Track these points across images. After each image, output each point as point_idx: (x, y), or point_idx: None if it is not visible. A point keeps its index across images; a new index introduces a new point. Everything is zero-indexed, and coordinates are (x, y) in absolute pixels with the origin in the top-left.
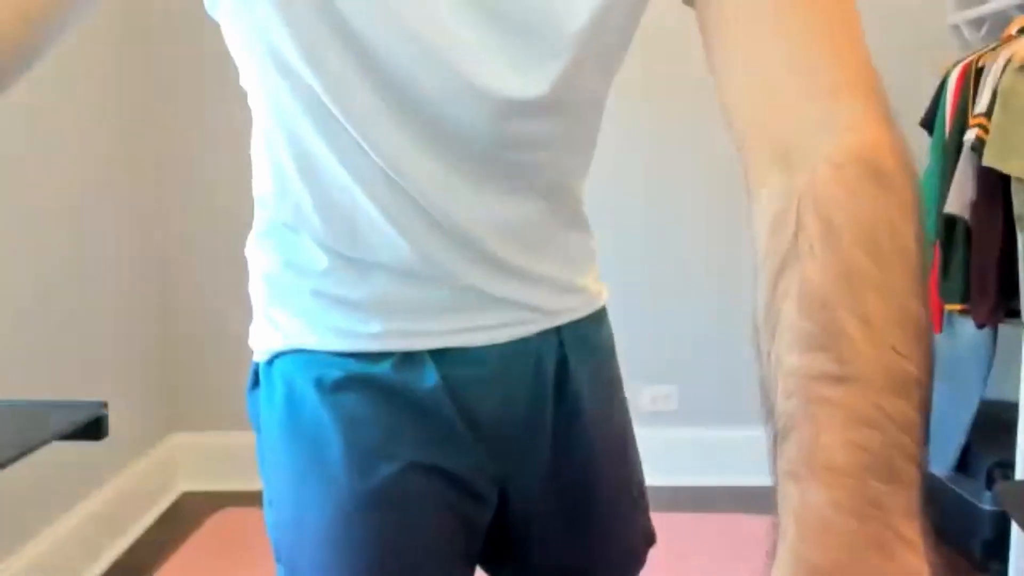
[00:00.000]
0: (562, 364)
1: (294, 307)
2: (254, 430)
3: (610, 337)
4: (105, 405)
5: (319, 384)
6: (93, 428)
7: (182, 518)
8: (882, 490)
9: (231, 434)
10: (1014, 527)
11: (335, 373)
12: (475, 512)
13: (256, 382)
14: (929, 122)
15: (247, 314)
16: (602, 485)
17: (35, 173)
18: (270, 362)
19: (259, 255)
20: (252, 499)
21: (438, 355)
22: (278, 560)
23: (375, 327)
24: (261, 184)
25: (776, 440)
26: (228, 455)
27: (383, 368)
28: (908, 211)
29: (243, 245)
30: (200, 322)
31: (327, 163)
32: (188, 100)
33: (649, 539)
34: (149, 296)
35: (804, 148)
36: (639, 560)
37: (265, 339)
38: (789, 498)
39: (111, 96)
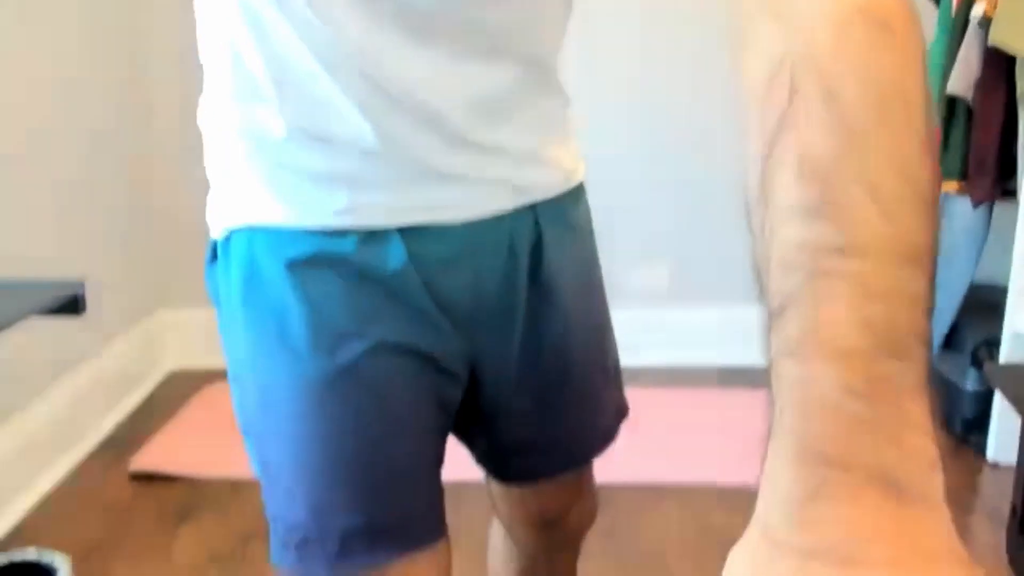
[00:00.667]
0: (537, 243)
1: (252, 179)
2: (214, 306)
3: (588, 215)
4: (83, 283)
5: (281, 262)
6: (71, 304)
7: (170, 395)
8: (892, 369)
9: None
10: (995, 405)
11: (298, 250)
12: (446, 388)
13: (214, 257)
14: None
15: None
16: (577, 364)
17: (10, 46)
18: (228, 237)
19: (213, 124)
20: None
21: (406, 232)
22: (246, 434)
23: (339, 202)
24: (210, 49)
25: (772, 318)
26: (216, 331)
27: (348, 244)
28: (917, 70)
29: None
30: (185, 195)
31: (281, 32)
32: None
33: (621, 413)
34: (132, 169)
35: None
36: (611, 435)
37: (222, 213)
38: (789, 379)
39: None
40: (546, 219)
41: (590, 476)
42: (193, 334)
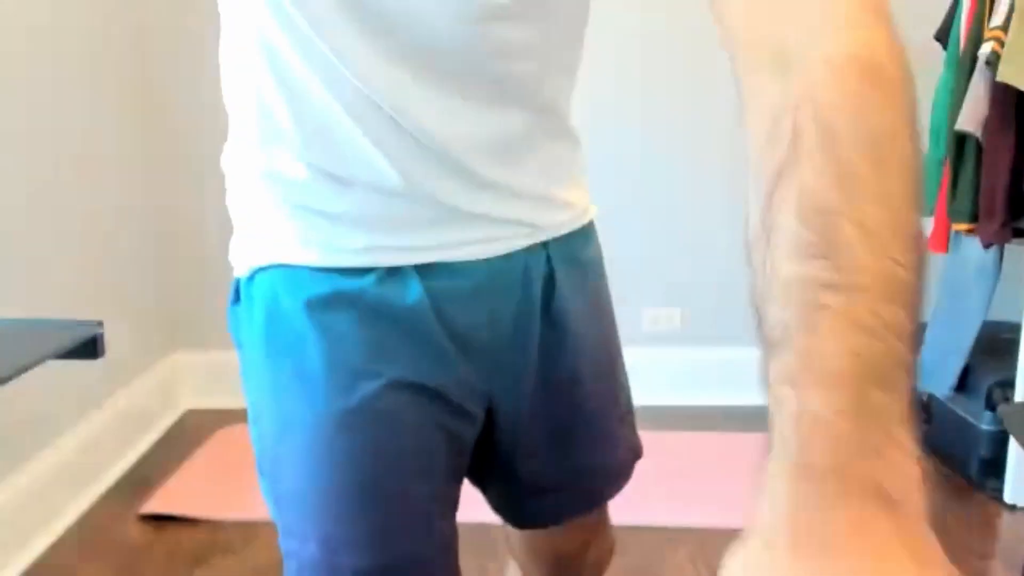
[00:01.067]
0: (549, 279)
1: (274, 220)
2: (236, 347)
3: (599, 253)
4: (101, 324)
5: (301, 300)
6: (89, 347)
7: (186, 436)
8: (880, 397)
9: (234, 352)
10: (1011, 447)
11: (318, 289)
12: (461, 428)
13: (237, 298)
14: (944, 35)
15: None
16: (589, 401)
17: (32, 91)
18: (251, 277)
19: (237, 167)
20: None
21: (422, 270)
22: (261, 474)
23: (358, 241)
24: (235, 94)
25: (770, 348)
26: (231, 372)
27: (367, 283)
28: (908, 117)
29: None
30: (201, 239)
31: (301, 75)
32: (188, 22)
33: (635, 453)
34: (149, 213)
35: (802, 49)
36: (625, 474)
37: (246, 254)
38: (786, 403)
39: (110, 20)
40: (557, 256)
41: (606, 514)
42: (208, 376)
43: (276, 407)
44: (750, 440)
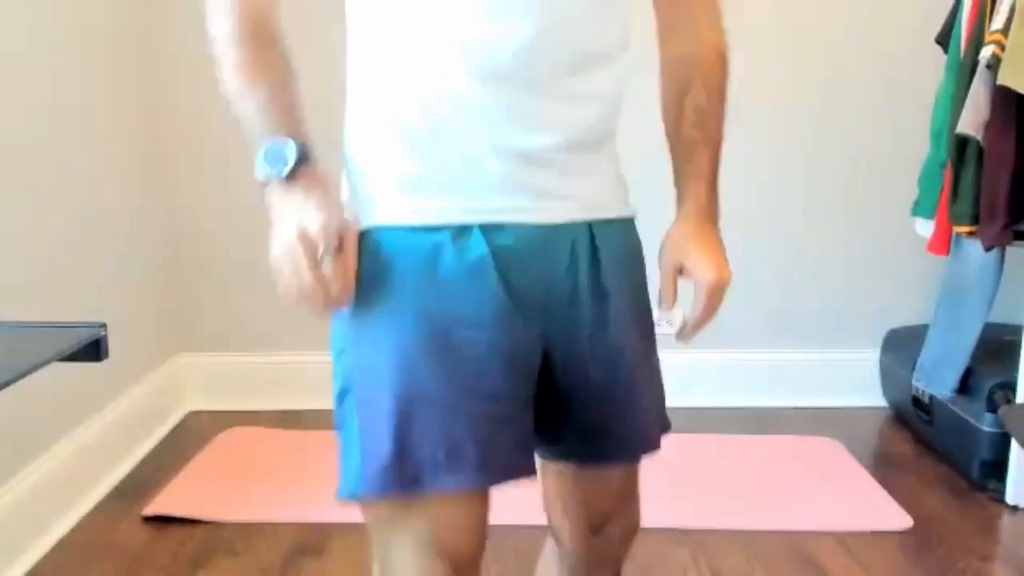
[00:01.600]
0: (594, 255)
1: (383, 189)
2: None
3: (639, 247)
4: (104, 326)
5: (399, 250)
6: (93, 349)
7: (188, 438)
8: (714, 187)
9: (236, 355)
10: (1013, 449)
11: (408, 244)
12: (522, 358)
13: None
14: (945, 38)
15: (252, 235)
16: (632, 371)
17: (34, 91)
18: (361, 235)
19: (361, 158)
20: (258, 418)
21: (487, 230)
22: (345, 392)
23: (438, 203)
24: (359, 80)
25: (681, 164)
26: (233, 376)
27: (444, 237)
28: (727, 80)
29: (249, 166)
30: (205, 242)
31: (434, 98)
32: (191, 23)
33: (665, 425)
34: (153, 216)
35: (698, 33)
36: (656, 443)
37: (358, 216)
38: (693, 187)
39: (115, 28)
40: (601, 237)
41: (636, 485)
42: (211, 378)
43: (376, 335)
44: (750, 440)
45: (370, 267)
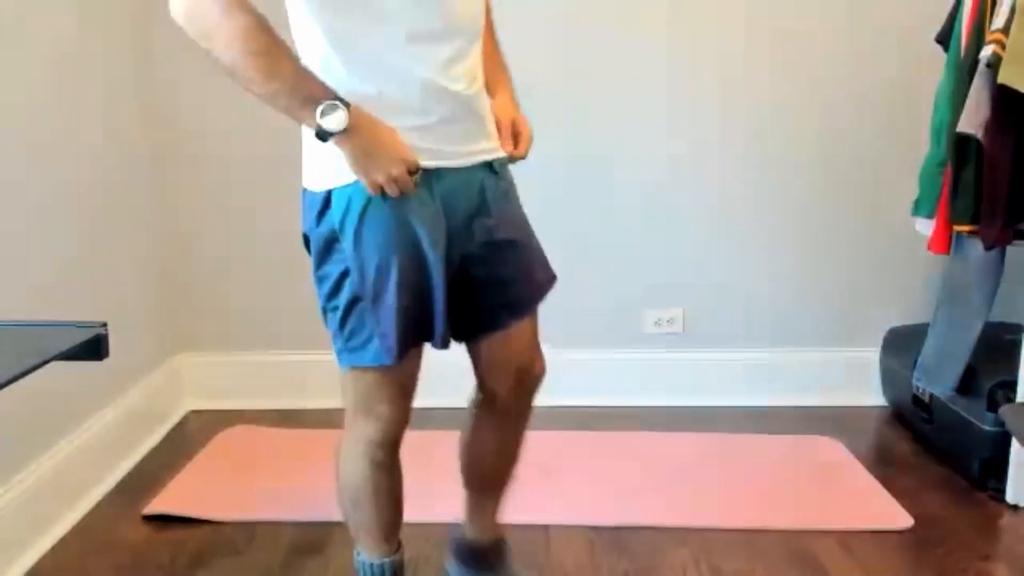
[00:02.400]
0: (487, 184)
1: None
2: (331, 238)
3: (511, 176)
4: (104, 326)
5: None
6: (93, 348)
7: (188, 437)
8: (513, 93)
9: (236, 355)
10: (1014, 448)
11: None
12: (450, 264)
13: (327, 205)
14: (945, 38)
15: (252, 235)
16: (519, 250)
17: (35, 92)
18: (343, 188)
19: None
20: (258, 418)
21: (435, 173)
22: (356, 300)
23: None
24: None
25: (494, 78)
26: (233, 376)
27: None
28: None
29: (247, 165)
30: (205, 242)
31: (368, 54)
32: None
33: (551, 277)
34: (153, 215)
35: (481, 20)
36: (547, 289)
37: (331, 175)
38: (505, 87)
39: (104, 23)
40: (493, 170)
41: (537, 335)
42: (211, 378)
43: (378, 255)
44: (750, 440)
45: (368, 204)
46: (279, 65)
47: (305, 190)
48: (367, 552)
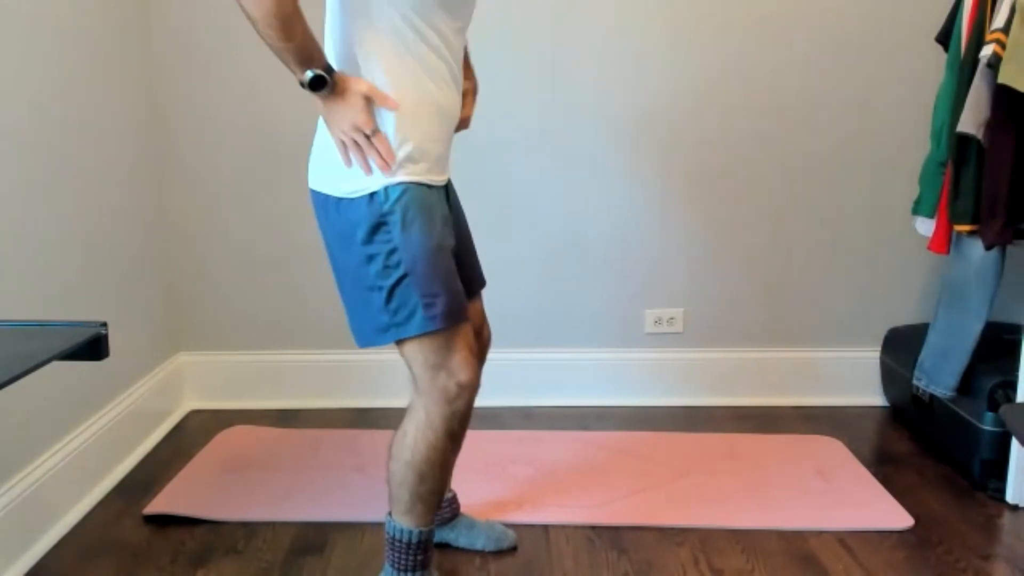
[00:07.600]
0: (451, 191)
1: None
2: (378, 223)
3: (454, 191)
4: (104, 326)
5: (421, 196)
6: (93, 348)
7: (188, 437)
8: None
9: (236, 354)
10: (1014, 448)
11: (428, 194)
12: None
13: (371, 200)
14: (945, 37)
15: (252, 235)
16: (469, 249)
17: (36, 92)
18: (396, 186)
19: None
20: (258, 417)
21: (446, 186)
22: (406, 276)
23: (435, 171)
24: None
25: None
26: (233, 375)
27: (440, 188)
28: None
29: (247, 165)
30: (205, 242)
31: (414, 64)
32: (195, 29)
33: (483, 279)
34: (153, 215)
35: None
36: (483, 284)
37: (381, 178)
38: (472, 94)
39: (108, 18)
40: (449, 188)
41: (484, 311)
42: (211, 377)
43: (421, 240)
44: (750, 440)
45: (412, 202)
46: (295, 29)
47: (331, 196)
48: (416, 520)
